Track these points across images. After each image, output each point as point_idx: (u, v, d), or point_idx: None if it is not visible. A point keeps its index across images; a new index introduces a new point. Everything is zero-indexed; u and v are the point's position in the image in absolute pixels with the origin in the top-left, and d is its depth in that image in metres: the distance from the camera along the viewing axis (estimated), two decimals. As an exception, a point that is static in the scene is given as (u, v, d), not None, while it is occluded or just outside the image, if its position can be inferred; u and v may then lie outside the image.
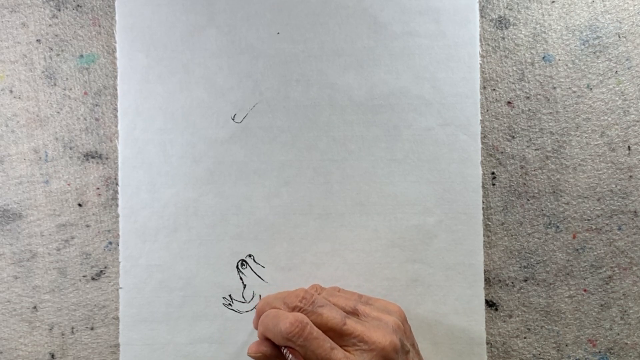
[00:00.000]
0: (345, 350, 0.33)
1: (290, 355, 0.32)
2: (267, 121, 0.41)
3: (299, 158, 0.41)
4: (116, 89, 0.41)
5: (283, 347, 0.33)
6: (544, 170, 0.41)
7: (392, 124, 0.41)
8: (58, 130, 0.42)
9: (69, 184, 0.41)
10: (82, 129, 0.42)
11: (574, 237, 0.41)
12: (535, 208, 0.41)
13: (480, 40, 0.41)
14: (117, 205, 0.41)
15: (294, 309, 0.34)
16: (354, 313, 0.35)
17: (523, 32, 0.41)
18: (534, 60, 0.41)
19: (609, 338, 0.41)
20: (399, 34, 0.41)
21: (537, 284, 0.41)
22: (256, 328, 0.37)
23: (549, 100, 0.41)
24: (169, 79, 0.41)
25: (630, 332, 0.41)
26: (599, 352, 0.41)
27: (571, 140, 0.41)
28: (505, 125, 0.41)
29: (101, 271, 0.41)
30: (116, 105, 0.41)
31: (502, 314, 0.41)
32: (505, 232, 0.41)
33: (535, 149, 0.41)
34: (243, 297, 0.41)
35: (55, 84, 0.42)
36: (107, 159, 0.42)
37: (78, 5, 0.42)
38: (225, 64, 0.41)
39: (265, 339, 0.34)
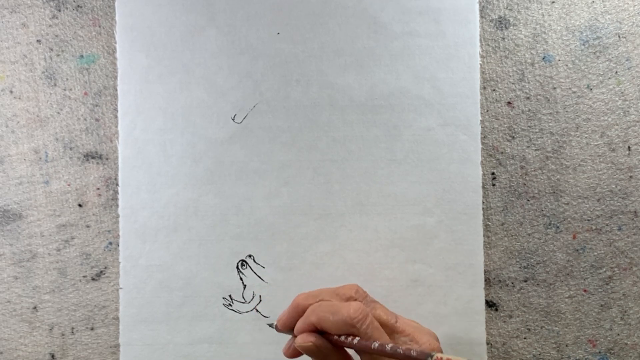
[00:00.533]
0: None
1: (358, 338, 0.31)
2: (267, 121, 0.41)
3: (299, 158, 0.41)
4: (116, 89, 0.41)
5: (342, 336, 0.32)
6: (544, 171, 0.41)
7: (392, 124, 0.41)
8: (58, 130, 0.42)
9: (69, 185, 0.41)
10: (82, 129, 0.42)
11: (574, 237, 0.41)
12: (535, 208, 0.41)
13: (480, 40, 0.41)
14: (117, 205, 0.41)
15: (348, 299, 0.33)
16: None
17: (523, 33, 0.41)
18: (534, 60, 0.41)
19: (609, 338, 0.41)
20: (399, 34, 0.41)
21: (537, 284, 0.41)
22: (286, 328, 0.35)
23: (549, 100, 0.41)
24: (169, 79, 0.41)
25: (630, 332, 0.41)
26: (599, 352, 0.41)
27: (571, 141, 0.41)
28: (505, 125, 0.41)
29: (101, 271, 0.41)
30: (116, 105, 0.41)
31: (502, 314, 0.41)
32: (505, 233, 0.41)
33: (535, 150, 0.41)
34: (243, 297, 0.41)
35: (55, 85, 0.42)
36: (107, 159, 0.42)
37: (78, 6, 0.42)
38: (225, 64, 0.41)
39: (313, 330, 0.33)
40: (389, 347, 0.31)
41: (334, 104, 0.41)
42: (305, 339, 0.33)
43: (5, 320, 0.41)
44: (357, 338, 0.32)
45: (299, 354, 0.34)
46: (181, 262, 0.41)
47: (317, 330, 0.33)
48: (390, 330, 0.33)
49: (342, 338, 0.32)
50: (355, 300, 0.33)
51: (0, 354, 0.41)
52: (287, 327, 0.35)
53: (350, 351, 0.35)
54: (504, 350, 0.41)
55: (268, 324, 0.38)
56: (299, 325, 0.34)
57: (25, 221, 0.41)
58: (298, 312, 0.34)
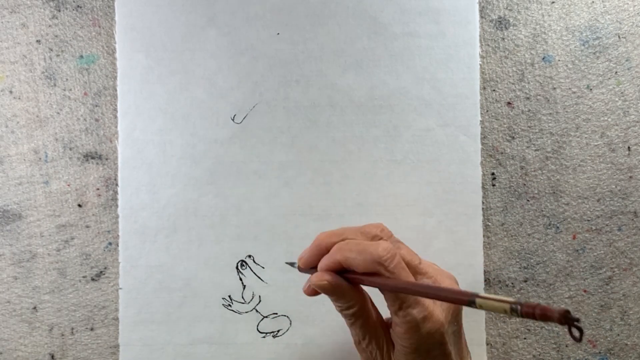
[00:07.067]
0: None
1: (394, 282, 0.30)
2: (267, 122, 0.41)
3: (299, 159, 0.41)
4: (116, 90, 0.41)
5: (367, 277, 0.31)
6: (543, 171, 0.41)
7: (392, 125, 0.41)
8: (58, 130, 0.42)
9: (68, 185, 0.41)
10: (82, 130, 0.42)
11: (574, 237, 0.41)
12: (535, 209, 0.41)
13: (480, 40, 0.41)
14: (117, 205, 0.41)
15: (373, 238, 0.32)
16: None
17: (523, 33, 0.41)
18: (533, 60, 0.41)
19: (608, 339, 0.41)
20: (399, 35, 0.41)
21: (537, 284, 0.41)
22: (308, 265, 0.34)
23: (548, 100, 0.41)
24: (169, 79, 0.41)
25: (630, 332, 0.41)
26: (599, 352, 0.41)
27: (571, 141, 0.41)
28: (505, 125, 0.41)
29: (101, 272, 0.41)
30: (116, 105, 0.41)
31: (502, 314, 0.41)
32: (505, 233, 0.41)
33: (535, 150, 0.41)
34: (243, 297, 0.41)
35: (55, 85, 0.42)
36: (107, 159, 0.42)
37: (78, 6, 0.42)
38: (225, 64, 0.41)
39: (338, 268, 0.32)
40: (430, 284, 0.29)
41: (334, 104, 0.41)
42: (320, 278, 0.32)
43: (5, 321, 0.41)
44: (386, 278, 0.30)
45: (317, 293, 0.33)
46: (181, 262, 0.41)
47: (337, 270, 0.32)
48: (414, 271, 0.32)
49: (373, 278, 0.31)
50: (381, 239, 0.32)
51: (0, 354, 0.41)
52: (309, 266, 0.34)
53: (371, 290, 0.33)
54: (504, 351, 0.41)
55: (288, 263, 0.36)
56: (323, 262, 0.33)
57: (25, 221, 0.41)
58: (320, 250, 0.33)
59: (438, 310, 0.31)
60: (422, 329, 0.30)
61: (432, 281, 0.32)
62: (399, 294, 0.30)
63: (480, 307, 0.26)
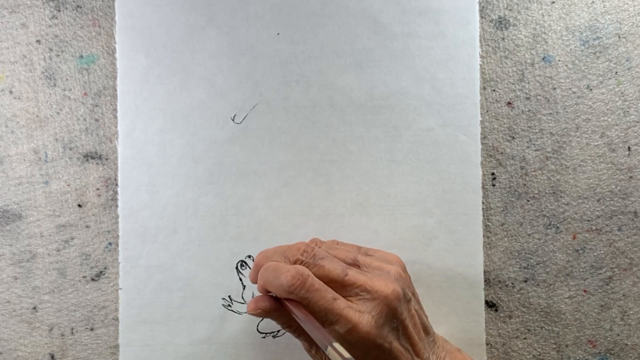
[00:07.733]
0: (349, 300, 0.32)
1: (295, 311, 0.32)
2: (267, 122, 0.41)
3: (299, 159, 0.41)
4: (116, 90, 0.41)
5: (286, 302, 0.33)
6: (544, 171, 0.41)
7: (392, 125, 0.41)
8: (58, 130, 0.42)
9: (68, 185, 0.41)
10: (81, 130, 0.42)
11: (574, 237, 0.41)
12: (535, 209, 0.41)
13: (480, 40, 0.41)
14: (116, 205, 0.41)
15: (295, 262, 0.33)
16: (354, 264, 0.35)
17: (523, 33, 0.41)
18: (534, 60, 0.41)
19: (609, 339, 0.41)
20: (399, 35, 0.41)
21: (537, 284, 0.41)
22: (254, 282, 0.37)
23: (549, 100, 0.41)
24: (169, 80, 0.41)
25: (630, 332, 0.41)
26: (599, 352, 0.41)
27: (571, 141, 0.41)
28: (505, 126, 0.41)
29: (101, 272, 0.41)
30: (116, 105, 0.41)
31: (502, 314, 0.41)
32: (505, 233, 0.41)
33: (535, 150, 0.41)
34: (242, 298, 0.41)
35: (55, 85, 0.42)
36: (107, 159, 0.42)
37: (78, 6, 0.42)
38: (225, 64, 0.41)
39: (265, 293, 0.34)
40: (310, 324, 0.31)
41: (334, 104, 0.41)
42: (255, 306, 0.34)
43: (5, 321, 0.41)
44: (295, 311, 0.32)
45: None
46: (181, 262, 0.41)
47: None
48: (340, 285, 0.33)
49: (290, 307, 0.33)
50: (302, 262, 0.33)
51: (0, 354, 0.41)
52: (255, 282, 0.37)
53: None
54: (504, 351, 0.41)
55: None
56: (257, 287, 0.35)
57: (25, 221, 0.41)
58: (258, 270, 0.35)
59: (366, 318, 0.32)
60: (350, 340, 0.31)
61: (360, 290, 0.32)
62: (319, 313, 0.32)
63: (328, 354, 0.29)
